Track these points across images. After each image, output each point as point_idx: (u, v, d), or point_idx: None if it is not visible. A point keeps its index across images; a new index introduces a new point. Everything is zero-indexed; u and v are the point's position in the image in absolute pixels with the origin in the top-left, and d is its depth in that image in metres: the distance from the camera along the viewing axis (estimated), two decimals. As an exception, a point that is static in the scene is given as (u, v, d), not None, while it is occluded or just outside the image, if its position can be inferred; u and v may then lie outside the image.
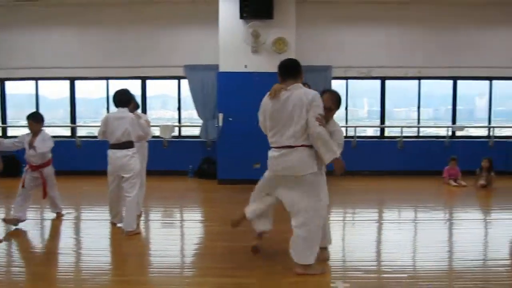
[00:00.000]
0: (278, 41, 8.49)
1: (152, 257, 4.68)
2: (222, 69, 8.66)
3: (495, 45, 9.88)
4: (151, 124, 6.78)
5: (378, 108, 10.33)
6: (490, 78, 10.12)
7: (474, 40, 9.88)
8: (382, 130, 10.38)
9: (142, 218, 6.01)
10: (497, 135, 10.20)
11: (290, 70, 4.03)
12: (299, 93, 3.89)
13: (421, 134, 10.51)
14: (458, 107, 10.35)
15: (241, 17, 8.33)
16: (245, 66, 8.57)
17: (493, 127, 10.20)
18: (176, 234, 5.73)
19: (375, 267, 4.32)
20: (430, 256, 4.57)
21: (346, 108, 10.07)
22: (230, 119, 8.55)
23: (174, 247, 4.99)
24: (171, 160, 9.51)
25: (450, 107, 10.41)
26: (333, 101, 4.18)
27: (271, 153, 4.02)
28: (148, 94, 10.02)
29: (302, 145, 3.87)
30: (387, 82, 10.10)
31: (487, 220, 6.55)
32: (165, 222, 6.33)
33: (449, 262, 4.55)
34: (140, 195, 5.78)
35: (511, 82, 10.33)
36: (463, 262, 4.45)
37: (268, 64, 8.48)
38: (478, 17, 9.86)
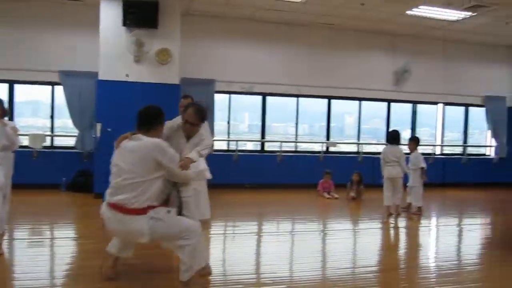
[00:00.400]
0: (162, 51, 8.34)
1: (17, 281, 4.21)
2: (101, 77, 8.23)
3: (364, 69, 10.85)
4: (19, 132, 6.17)
5: (258, 122, 10.66)
6: (359, 99, 11.06)
7: (347, 63, 10.75)
8: (263, 144, 10.71)
9: (6, 237, 5.40)
10: (365, 151, 11.16)
11: (141, 120, 3.66)
12: (137, 146, 3.51)
13: (298, 149, 11.06)
14: (331, 124, 11.11)
15: (124, 24, 8.03)
16: (127, 75, 8.25)
17: (362, 143, 11.17)
18: (45, 254, 5.24)
19: (255, 280, 4.39)
20: (307, 266, 4.78)
21: (228, 122, 10.26)
22: (109, 129, 8.13)
23: (43, 269, 4.56)
24: (41, 172, 8.76)
25: (323, 124, 11.14)
26: (196, 116, 4.09)
27: (104, 209, 3.58)
28: (16, 99, 9.15)
29: (135, 210, 3.42)
30: (268, 98, 10.48)
31: (357, 230, 7.07)
32: (33, 241, 5.76)
33: (323, 271, 4.80)
34: (3, 211, 5.19)
35: (376, 103, 11.37)
36: (336, 271, 4.72)
37: (150, 74, 8.31)
38: (352, 43, 10.79)
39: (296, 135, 10.82)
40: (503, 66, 12.20)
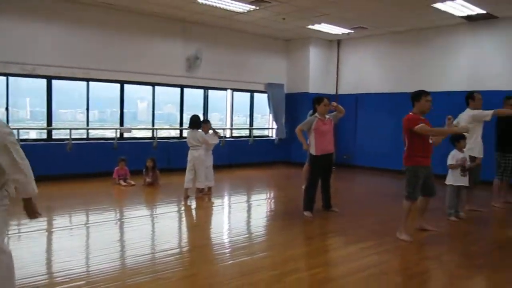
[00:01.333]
0: None
1: None
2: None
3: (157, 54, 10.83)
4: None
5: (43, 109, 9.73)
6: (152, 84, 11.01)
7: (140, 48, 10.55)
8: (49, 133, 9.82)
9: None
10: (159, 136, 11.22)
11: None
12: None
13: (90, 136, 10.48)
14: (124, 110, 10.82)
15: None
16: None
17: (156, 129, 11.19)
18: None
19: (48, 280, 4.04)
20: (106, 258, 4.61)
21: (7, 109, 9.10)
22: None
23: None
24: None
25: (116, 109, 10.78)
26: None
27: None
28: None
29: None
30: (53, 81, 9.62)
31: (155, 215, 7.09)
32: None
33: (123, 261, 4.69)
34: None
35: (169, 89, 11.48)
36: (137, 258, 4.66)
37: None
38: (146, 27, 10.61)
39: (87, 121, 10.22)
40: (281, 57, 13.64)
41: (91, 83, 10.06)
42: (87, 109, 10.13)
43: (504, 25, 10.05)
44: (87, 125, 10.23)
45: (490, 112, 6.89)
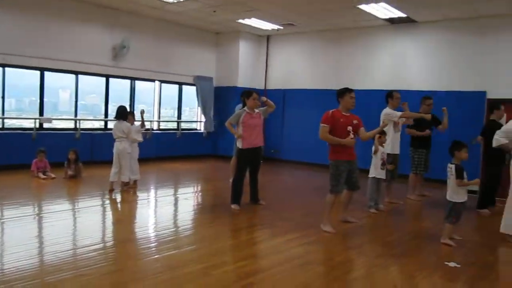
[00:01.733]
0: None
1: None
2: None
3: (82, 42, 10.35)
4: None
5: (-48, 95, 8.99)
6: (76, 73, 10.52)
7: (63, 34, 10.03)
8: (-41, 121, 9.09)
9: None
10: (83, 127, 10.74)
11: None
12: None
13: (5, 126, 9.81)
14: (45, 99, 10.23)
15: None
16: None
17: (79, 119, 10.70)
18: None
19: (-43, 280, 3.75)
20: (23, 255, 4.35)
21: None
22: None
23: None
24: None
25: (35, 98, 10.18)
26: None
27: None
28: None
29: None
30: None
31: (77, 209, 6.80)
32: None
33: (42, 257, 4.46)
34: None
35: (94, 78, 11.03)
36: (57, 254, 4.44)
37: None
38: (69, 12, 10.11)
39: (3, 110, 9.56)
40: (211, 50, 13.57)
41: (7, 69, 9.42)
42: (3, 97, 9.50)
43: (422, 29, 10.69)
44: (3, 114, 9.59)
45: (399, 114, 7.37)
